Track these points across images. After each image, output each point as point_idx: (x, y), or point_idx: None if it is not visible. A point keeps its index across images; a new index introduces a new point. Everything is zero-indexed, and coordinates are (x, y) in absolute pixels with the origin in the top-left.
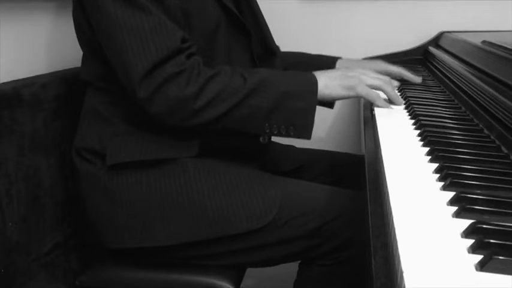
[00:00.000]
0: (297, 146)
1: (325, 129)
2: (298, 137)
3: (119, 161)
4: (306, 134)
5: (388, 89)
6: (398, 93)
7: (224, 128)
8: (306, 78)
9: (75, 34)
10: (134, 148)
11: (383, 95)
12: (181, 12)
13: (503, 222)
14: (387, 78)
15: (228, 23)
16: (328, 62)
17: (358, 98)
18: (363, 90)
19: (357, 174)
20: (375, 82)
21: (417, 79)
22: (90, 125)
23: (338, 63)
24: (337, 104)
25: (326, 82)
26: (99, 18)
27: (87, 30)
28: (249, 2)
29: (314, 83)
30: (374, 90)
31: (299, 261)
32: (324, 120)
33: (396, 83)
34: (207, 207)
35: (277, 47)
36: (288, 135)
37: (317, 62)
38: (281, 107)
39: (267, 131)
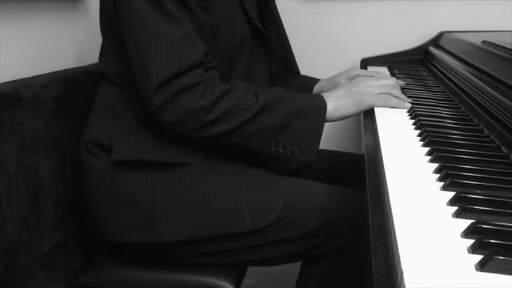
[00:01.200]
0: None
1: (326, 129)
2: (302, 159)
3: (123, 157)
4: (310, 156)
5: (395, 93)
6: None
7: (231, 144)
8: (316, 101)
9: (75, 34)
10: (140, 147)
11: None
12: (210, 27)
13: (503, 222)
14: (391, 82)
15: (253, 39)
16: (308, 85)
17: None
18: (370, 100)
19: (357, 173)
20: (380, 90)
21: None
22: (100, 118)
23: (316, 86)
24: None
25: (335, 103)
26: (128, 18)
27: (115, 22)
28: (275, 19)
29: (323, 106)
30: (381, 95)
31: (301, 262)
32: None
33: (401, 83)
34: (212, 206)
35: (296, 64)
36: (292, 155)
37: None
38: (289, 126)
39: (273, 149)
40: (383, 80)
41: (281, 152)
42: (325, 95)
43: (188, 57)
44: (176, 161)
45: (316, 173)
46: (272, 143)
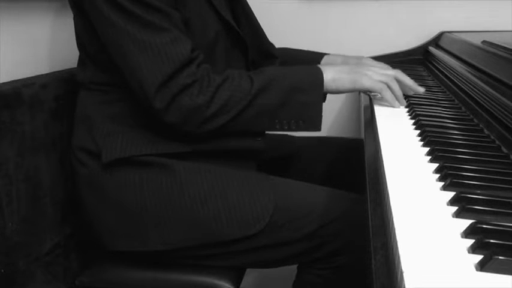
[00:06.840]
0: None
1: (325, 130)
2: (308, 130)
3: (114, 157)
4: (315, 126)
5: (394, 86)
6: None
7: (235, 130)
8: (311, 72)
9: (74, 34)
10: (128, 145)
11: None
12: (184, 25)
13: (503, 222)
14: (393, 73)
15: (227, 34)
16: (313, 60)
17: (361, 94)
18: (367, 83)
19: (352, 159)
20: (381, 78)
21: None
22: (84, 125)
23: (324, 60)
24: (338, 103)
25: (333, 75)
26: (109, 33)
27: (84, 37)
28: (245, 9)
29: (320, 75)
30: (380, 83)
31: (297, 264)
32: (323, 120)
33: (421, 90)
34: (200, 213)
35: (275, 48)
36: (298, 129)
37: (301, 62)
38: (289, 102)
39: (277, 127)
40: (387, 70)
41: (285, 127)
42: (324, 67)
43: (178, 57)
44: (165, 152)
45: (313, 158)
46: (276, 121)
